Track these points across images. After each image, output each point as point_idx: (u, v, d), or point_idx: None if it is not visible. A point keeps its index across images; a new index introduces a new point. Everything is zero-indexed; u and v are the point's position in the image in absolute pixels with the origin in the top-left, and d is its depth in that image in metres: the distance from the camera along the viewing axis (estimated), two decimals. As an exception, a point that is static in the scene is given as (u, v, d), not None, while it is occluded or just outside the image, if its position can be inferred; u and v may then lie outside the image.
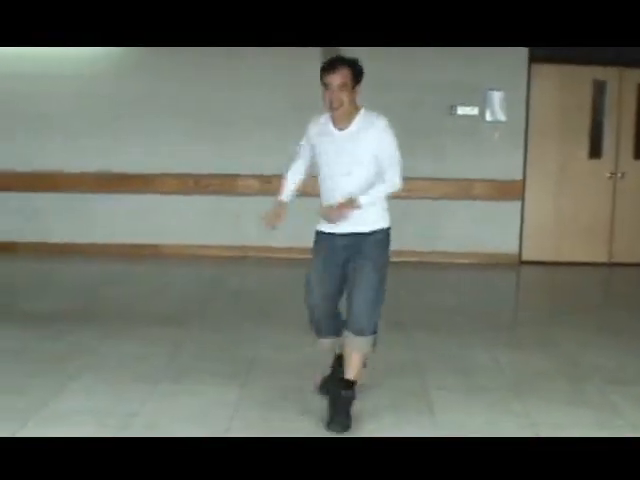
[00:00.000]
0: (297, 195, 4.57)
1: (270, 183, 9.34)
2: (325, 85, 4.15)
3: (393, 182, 4.21)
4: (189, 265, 9.13)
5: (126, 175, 9.51)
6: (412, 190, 9.05)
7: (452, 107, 9.40)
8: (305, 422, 4.22)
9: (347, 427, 4.14)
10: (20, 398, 4.48)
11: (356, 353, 4.28)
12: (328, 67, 4.14)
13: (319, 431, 4.12)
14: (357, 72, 4.16)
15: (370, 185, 4.20)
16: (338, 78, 4.10)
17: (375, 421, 4.22)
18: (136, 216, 9.58)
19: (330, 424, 4.14)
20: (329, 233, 4.31)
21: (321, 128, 4.30)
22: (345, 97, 4.11)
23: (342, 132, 4.22)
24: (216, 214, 9.58)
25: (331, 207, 4.20)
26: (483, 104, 9.33)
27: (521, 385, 4.93)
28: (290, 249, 9.03)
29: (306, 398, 4.60)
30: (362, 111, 4.23)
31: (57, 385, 4.72)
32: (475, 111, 9.35)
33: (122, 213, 9.57)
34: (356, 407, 4.35)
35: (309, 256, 4.45)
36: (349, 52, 4.42)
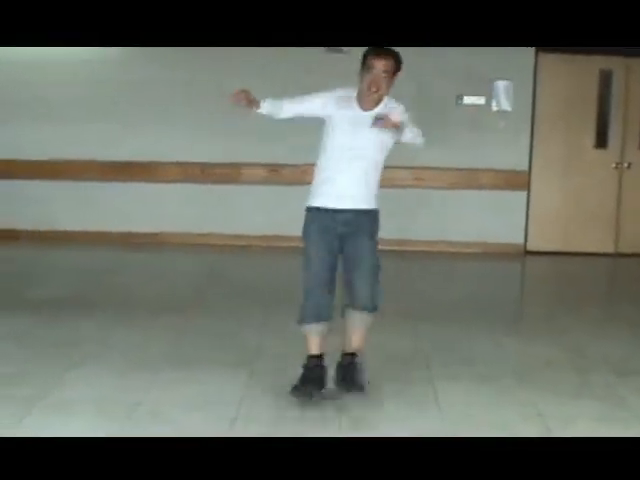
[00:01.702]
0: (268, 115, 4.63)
1: (276, 172, 9.34)
2: (368, 68, 4.26)
3: (419, 132, 4.37)
4: (193, 254, 9.11)
5: (130, 163, 9.48)
6: (418, 179, 9.03)
7: (458, 97, 9.36)
8: (315, 412, 4.18)
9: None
10: (25, 386, 4.47)
11: (361, 327, 4.46)
12: (377, 52, 4.27)
13: (332, 422, 4.09)
14: (399, 64, 4.34)
15: (378, 170, 4.36)
16: (384, 65, 4.25)
17: (380, 412, 4.19)
18: (140, 204, 9.56)
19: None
20: (329, 209, 4.34)
21: (345, 100, 4.35)
22: (384, 84, 4.28)
23: (365, 113, 4.30)
24: (221, 203, 9.55)
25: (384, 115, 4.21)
26: (489, 94, 9.30)
27: (527, 375, 4.91)
28: (294, 238, 8.95)
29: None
30: (386, 99, 4.37)
31: (61, 373, 4.71)
32: (482, 101, 9.31)
33: (126, 201, 9.55)
34: (361, 397, 4.37)
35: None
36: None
